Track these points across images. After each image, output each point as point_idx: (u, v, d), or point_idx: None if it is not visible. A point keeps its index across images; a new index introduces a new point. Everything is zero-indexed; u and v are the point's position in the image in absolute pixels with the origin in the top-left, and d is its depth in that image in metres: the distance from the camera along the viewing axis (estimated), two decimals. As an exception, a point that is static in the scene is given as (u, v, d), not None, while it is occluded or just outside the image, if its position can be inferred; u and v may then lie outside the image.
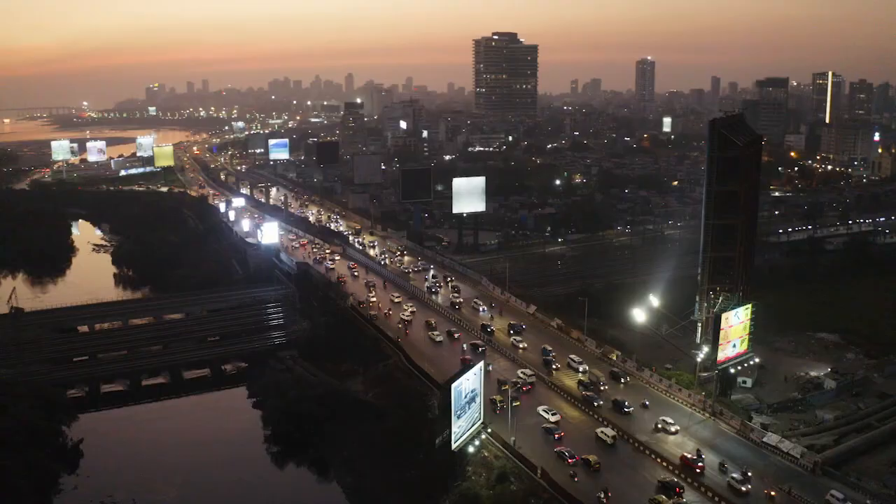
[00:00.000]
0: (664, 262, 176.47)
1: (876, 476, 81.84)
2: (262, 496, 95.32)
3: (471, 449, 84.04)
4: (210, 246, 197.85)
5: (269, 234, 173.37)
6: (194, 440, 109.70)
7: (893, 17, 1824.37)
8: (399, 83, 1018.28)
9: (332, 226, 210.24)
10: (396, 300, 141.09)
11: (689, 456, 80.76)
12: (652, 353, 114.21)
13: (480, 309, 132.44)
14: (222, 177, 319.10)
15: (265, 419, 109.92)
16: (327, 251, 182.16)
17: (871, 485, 78.49)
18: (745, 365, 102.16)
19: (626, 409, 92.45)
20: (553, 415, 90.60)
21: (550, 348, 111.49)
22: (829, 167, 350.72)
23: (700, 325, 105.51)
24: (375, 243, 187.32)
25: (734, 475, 77.71)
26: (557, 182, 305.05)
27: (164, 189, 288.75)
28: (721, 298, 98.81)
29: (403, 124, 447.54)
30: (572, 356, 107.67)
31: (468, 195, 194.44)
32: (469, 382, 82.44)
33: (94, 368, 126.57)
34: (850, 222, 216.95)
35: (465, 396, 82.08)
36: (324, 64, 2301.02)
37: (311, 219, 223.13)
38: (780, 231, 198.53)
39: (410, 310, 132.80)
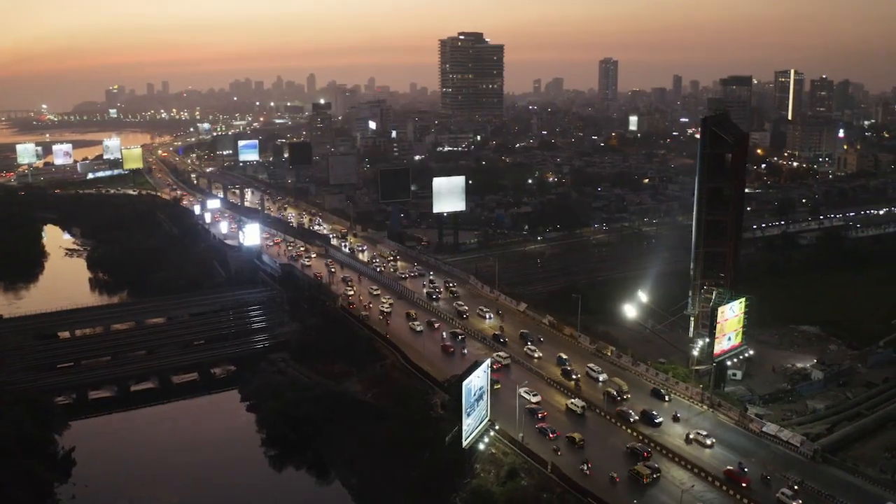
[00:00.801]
0: (645, 258, 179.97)
1: (872, 462, 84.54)
2: (267, 499, 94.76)
3: (481, 446, 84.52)
4: (188, 249, 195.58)
5: (252, 235, 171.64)
6: (190, 445, 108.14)
7: (852, 14, 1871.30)
8: (362, 83, 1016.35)
9: (315, 228, 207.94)
10: (375, 293, 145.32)
11: (733, 469, 77.59)
12: (642, 348, 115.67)
13: (487, 316, 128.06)
14: (193, 179, 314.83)
15: (261, 422, 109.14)
16: (301, 249, 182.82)
17: (869, 470, 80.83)
18: (740, 357, 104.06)
19: (656, 421, 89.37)
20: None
21: (566, 357, 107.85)
22: (796, 164, 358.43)
23: (693, 319, 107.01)
24: (365, 248, 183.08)
25: (784, 490, 73.67)
26: (529, 181, 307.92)
27: (134, 192, 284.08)
28: (715, 293, 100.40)
29: (373, 124, 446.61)
30: (590, 365, 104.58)
31: (448, 194, 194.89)
32: (478, 380, 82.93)
33: (80, 375, 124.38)
34: (821, 217, 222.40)
35: (474, 394, 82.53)
36: (285, 64, 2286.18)
37: (293, 221, 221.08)
38: (755, 227, 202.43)
39: (389, 302, 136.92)
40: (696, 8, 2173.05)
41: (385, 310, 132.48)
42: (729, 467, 78.04)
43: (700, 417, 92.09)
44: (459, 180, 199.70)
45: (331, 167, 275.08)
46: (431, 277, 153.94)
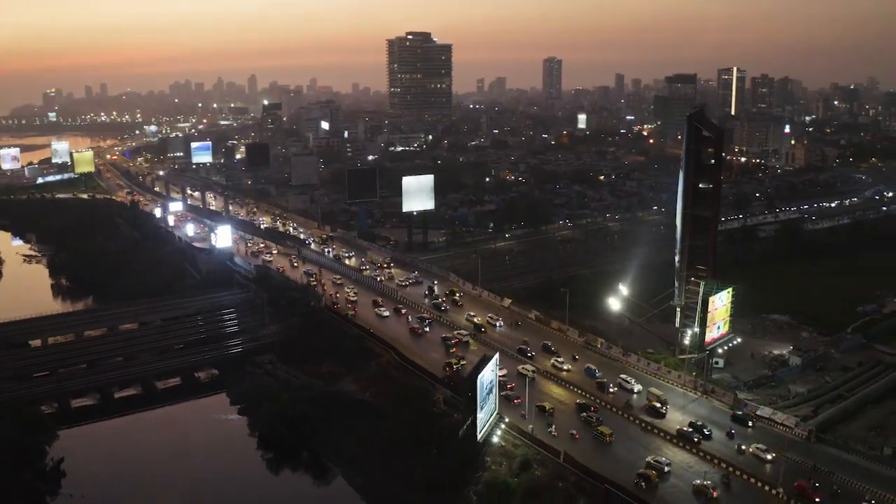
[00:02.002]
0: (613, 253, 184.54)
1: (858, 440, 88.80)
2: (272, 501, 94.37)
3: (494, 439, 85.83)
4: (152, 252, 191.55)
5: (223, 237, 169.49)
6: (182, 450, 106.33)
7: (787, 14, 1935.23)
8: (303, 84, 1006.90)
9: (291, 231, 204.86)
10: (338, 282, 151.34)
11: (805, 485, 75.04)
12: (623, 339, 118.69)
13: (496, 324, 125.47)
14: (148, 182, 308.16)
15: (255, 424, 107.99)
16: (261, 245, 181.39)
17: (860, 447, 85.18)
18: (728, 346, 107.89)
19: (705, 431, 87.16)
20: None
21: (594, 367, 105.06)
22: (744, 159, 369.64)
23: (679, 309, 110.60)
24: (353, 254, 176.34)
25: None
26: (487, 179, 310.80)
27: (87, 196, 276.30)
28: (704, 283, 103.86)
29: (325, 125, 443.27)
30: (623, 376, 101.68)
31: (417, 193, 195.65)
32: (489, 374, 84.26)
33: (61, 384, 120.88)
34: (776, 211, 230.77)
35: (486, 388, 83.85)
36: (225, 65, 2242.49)
37: (265, 223, 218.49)
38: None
39: (353, 291, 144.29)
40: (637, 7, 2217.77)
41: (351, 298, 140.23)
42: (800, 481, 75.62)
43: (695, 404, 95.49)
44: (428, 179, 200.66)
45: (292, 168, 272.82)
46: (435, 284, 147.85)
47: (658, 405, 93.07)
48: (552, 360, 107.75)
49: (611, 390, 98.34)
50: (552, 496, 75.27)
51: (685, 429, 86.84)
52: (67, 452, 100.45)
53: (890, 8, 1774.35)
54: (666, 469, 78.50)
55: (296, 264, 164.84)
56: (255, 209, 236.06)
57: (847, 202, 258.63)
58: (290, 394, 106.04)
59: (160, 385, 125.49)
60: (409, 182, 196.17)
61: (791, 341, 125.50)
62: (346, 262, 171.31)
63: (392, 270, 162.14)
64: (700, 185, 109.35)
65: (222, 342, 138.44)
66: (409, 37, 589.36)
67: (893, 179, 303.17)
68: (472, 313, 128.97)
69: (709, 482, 75.31)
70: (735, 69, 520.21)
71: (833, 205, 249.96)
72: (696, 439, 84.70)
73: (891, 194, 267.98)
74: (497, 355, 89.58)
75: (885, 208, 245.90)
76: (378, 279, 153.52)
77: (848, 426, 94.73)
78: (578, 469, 78.34)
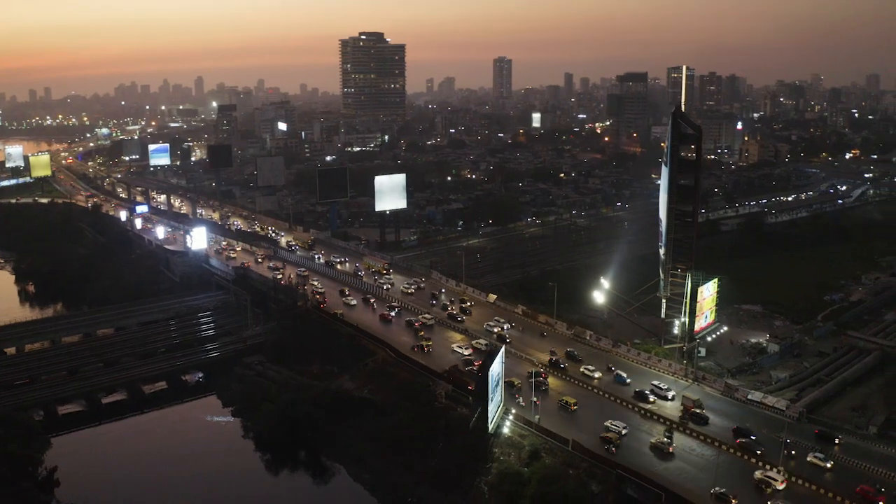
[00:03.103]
0: (582, 249, 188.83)
1: (843, 420, 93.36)
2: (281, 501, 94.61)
3: (505, 430, 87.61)
4: (122, 257, 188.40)
5: (199, 239, 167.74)
6: (177, 455, 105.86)
7: (730, 12, 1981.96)
8: (251, 86, 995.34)
9: (272, 234, 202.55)
10: (303, 275, 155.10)
11: (868, 490, 73.65)
12: (605, 332, 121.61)
13: (503, 327, 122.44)
14: (108, 185, 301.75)
15: (253, 426, 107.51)
16: (223, 243, 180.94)
17: (846, 426, 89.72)
18: (715, 334, 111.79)
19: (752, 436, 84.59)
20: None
21: (625, 374, 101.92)
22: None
23: (664, 300, 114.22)
24: (346, 260, 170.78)
25: None
26: (448, 178, 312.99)
27: (45, 201, 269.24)
28: (690, 275, 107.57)
29: (283, 126, 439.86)
30: (654, 382, 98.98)
31: (390, 192, 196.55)
32: (497, 367, 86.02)
33: (45, 391, 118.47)
34: (736, 205, 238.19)
35: (494, 381, 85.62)
36: (170, 67, 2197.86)
37: (239, 225, 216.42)
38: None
39: (317, 282, 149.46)
40: (583, 8, 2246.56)
41: (319, 289, 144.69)
42: (862, 486, 74.21)
43: (689, 391, 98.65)
44: (400, 178, 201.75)
45: (258, 169, 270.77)
46: (443, 292, 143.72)
47: (697, 410, 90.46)
48: (582, 369, 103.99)
49: (651, 401, 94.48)
50: (565, 483, 77.23)
51: (743, 440, 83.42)
52: (59, 460, 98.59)
53: (830, 8, 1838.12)
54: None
55: (260, 260, 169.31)
56: (230, 213, 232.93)
57: (803, 196, 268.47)
58: (291, 394, 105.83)
59: (147, 389, 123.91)
60: (381, 181, 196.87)
61: (766, 330, 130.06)
62: (339, 266, 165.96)
63: (392, 276, 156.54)
64: (681, 182, 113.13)
65: (206, 345, 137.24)
66: (363, 37, 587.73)
67: (845, 173, 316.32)
68: (490, 323, 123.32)
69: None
70: (684, 67, 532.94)
71: (790, 199, 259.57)
72: (758, 451, 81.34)
73: (844, 188, 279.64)
74: (503, 348, 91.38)
75: (840, 202, 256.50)
76: (385, 287, 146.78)
77: (831, 407, 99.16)
78: (589, 456, 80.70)
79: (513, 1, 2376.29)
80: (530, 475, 79.56)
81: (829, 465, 78.97)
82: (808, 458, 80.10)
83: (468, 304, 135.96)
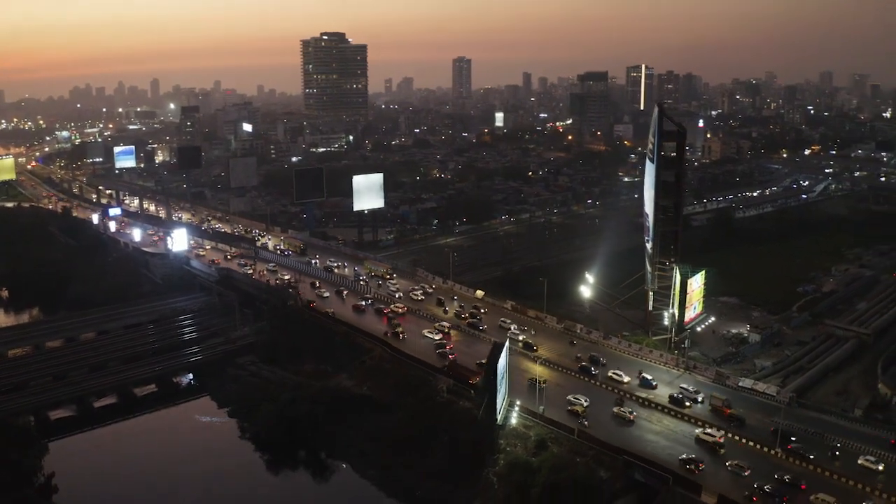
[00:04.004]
0: (559, 245, 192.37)
1: (829, 404, 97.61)
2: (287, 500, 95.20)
3: (513, 421, 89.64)
4: (97, 260, 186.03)
5: (179, 241, 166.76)
6: (179, 456, 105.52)
7: (684, 12, 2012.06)
8: (207, 87, 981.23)
9: (257, 236, 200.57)
10: (272, 269, 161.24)
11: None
12: (591, 325, 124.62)
13: (512, 327, 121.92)
14: (76, 189, 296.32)
15: (252, 426, 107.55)
16: (192, 241, 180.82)
17: (833, 409, 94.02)
18: (704, 325, 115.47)
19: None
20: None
21: (650, 377, 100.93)
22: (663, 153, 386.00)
23: (652, 293, 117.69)
24: (346, 265, 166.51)
25: None
26: (417, 178, 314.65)
27: (11, 204, 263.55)
28: (678, 268, 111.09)
29: (248, 127, 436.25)
30: (683, 385, 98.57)
31: (368, 192, 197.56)
32: (503, 360, 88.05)
33: (34, 396, 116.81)
34: (704, 201, 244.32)
35: (500, 374, 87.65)
36: (125, 69, 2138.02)
37: (220, 227, 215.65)
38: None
39: (287, 276, 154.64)
40: (541, 8, 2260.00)
41: (293, 283, 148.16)
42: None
43: (681, 380, 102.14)
44: (378, 178, 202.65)
45: (231, 170, 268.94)
46: (455, 298, 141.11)
47: (732, 411, 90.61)
48: (610, 373, 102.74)
49: (687, 404, 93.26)
50: (575, 470, 79.61)
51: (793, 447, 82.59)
52: (56, 465, 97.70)
53: (780, 7, 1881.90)
54: None
55: (229, 257, 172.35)
56: (208, 219, 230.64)
57: (768, 191, 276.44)
58: (290, 393, 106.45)
59: (139, 392, 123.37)
60: (359, 181, 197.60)
61: (745, 321, 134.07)
62: (336, 271, 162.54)
63: (397, 281, 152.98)
64: (664, 179, 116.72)
65: (194, 347, 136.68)
66: (325, 37, 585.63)
67: (806, 169, 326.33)
68: (515, 331, 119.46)
69: None
70: (644, 66, 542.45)
71: (755, 194, 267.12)
72: (810, 456, 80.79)
73: (807, 183, 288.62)
74: (507, 342, 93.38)
75: (804, 196, 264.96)
76: (397, 294, 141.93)
77: (816, 393, 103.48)
78: (596, 444, 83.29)
79: (470, 1, 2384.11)
80: (539, 464, 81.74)
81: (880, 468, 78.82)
82: (860, 461, 79.99)
83: (482, 310, 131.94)
